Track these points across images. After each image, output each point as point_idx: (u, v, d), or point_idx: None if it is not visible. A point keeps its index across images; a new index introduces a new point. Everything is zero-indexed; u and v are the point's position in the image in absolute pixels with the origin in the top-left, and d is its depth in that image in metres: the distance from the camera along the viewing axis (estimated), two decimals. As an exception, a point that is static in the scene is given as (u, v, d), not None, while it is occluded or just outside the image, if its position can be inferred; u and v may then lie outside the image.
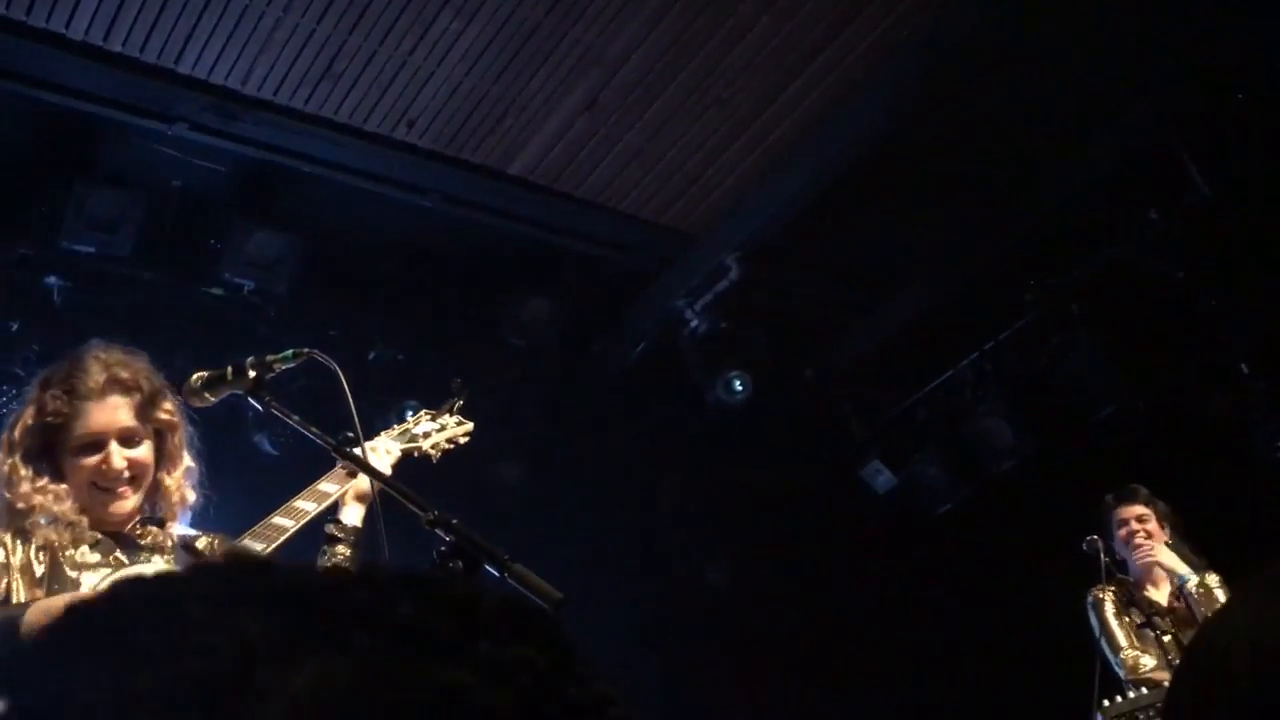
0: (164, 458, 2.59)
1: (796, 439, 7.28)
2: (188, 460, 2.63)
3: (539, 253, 6.30)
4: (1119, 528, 5.05)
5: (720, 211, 6.17)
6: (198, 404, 2.51)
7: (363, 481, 2.65)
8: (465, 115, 5.40)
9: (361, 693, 0.48)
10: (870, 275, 6.80)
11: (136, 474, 2.51)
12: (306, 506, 2.54)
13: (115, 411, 2.49)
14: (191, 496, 2.63)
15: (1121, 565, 5.07)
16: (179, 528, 2.63)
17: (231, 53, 4.88)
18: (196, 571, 0.55)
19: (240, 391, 2.44)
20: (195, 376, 2.48)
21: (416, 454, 2.91)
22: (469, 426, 3.06)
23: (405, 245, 6.07)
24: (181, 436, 2.62)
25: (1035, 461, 6.78)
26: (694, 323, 6.51)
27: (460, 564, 1.92)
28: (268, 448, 5.68)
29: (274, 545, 2.41)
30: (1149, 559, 4.90)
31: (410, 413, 6.04)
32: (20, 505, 2.42)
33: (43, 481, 2.45)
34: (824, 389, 7.32)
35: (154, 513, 2.61)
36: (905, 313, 6.90)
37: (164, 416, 2.57)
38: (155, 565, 2.46)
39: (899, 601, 7.17)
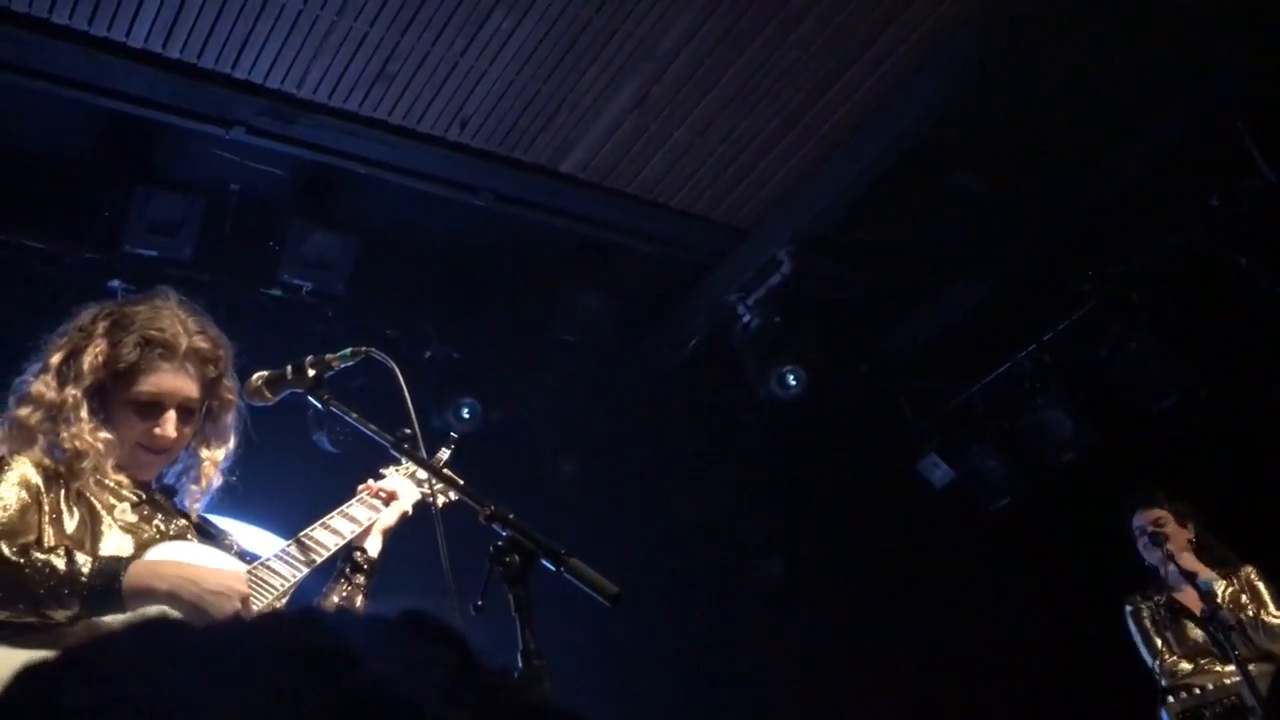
0: (211, 434, 2.55)
1: (851, 433, 7.23)
2: (231, 444, 2.58)
3: (591, 250, 6.32)
4: (1138, 534, 4.97)
5: (772, 205, 6.15)
6: (258, 402, 2.51)
7: (389, 516, 2.66)
8: (517, 114, 5.43)
9: (280, 712, 0.50)
10: (925, 266, 6.74)
11: (176, 446, 2.47)
12: (343, 527, 2.55)
13: (186, 380, 2.43)
14: (218, 481, 2.58)
15: (1156, 572, 4.99)
16: (200, 509, 2.59)
17: (287, 57, 4.95)
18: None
19: (300, 389, 2.45)
20: (256, 375, 2.49)
21: (446, 485, 2.86)
22: (460, 483, 2.96)
23: (459, 244, 6.12)
24: (233, 418, 2.58)
25: (1096, 453, 6.69)
26: (747, 317, 6.49)
27: (517, 558, 1.93)
28: (327, 446, 5.75)
29: (318, 562, 2.43)
30: (1167, 564, 4.82)
31: (467, 410, 6.11)
32: (70, 444, 2.33)
33: (94, 424, 2.37)
34: (879, 382, 7.28)
35: (181, 482, 2.57)
36: (961, 303, 6.83)
37: (226, 395, 2.54)
38: (202, 548, 2.40)
39: (958, 597, 7.11)
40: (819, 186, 6.01)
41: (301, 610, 0.59)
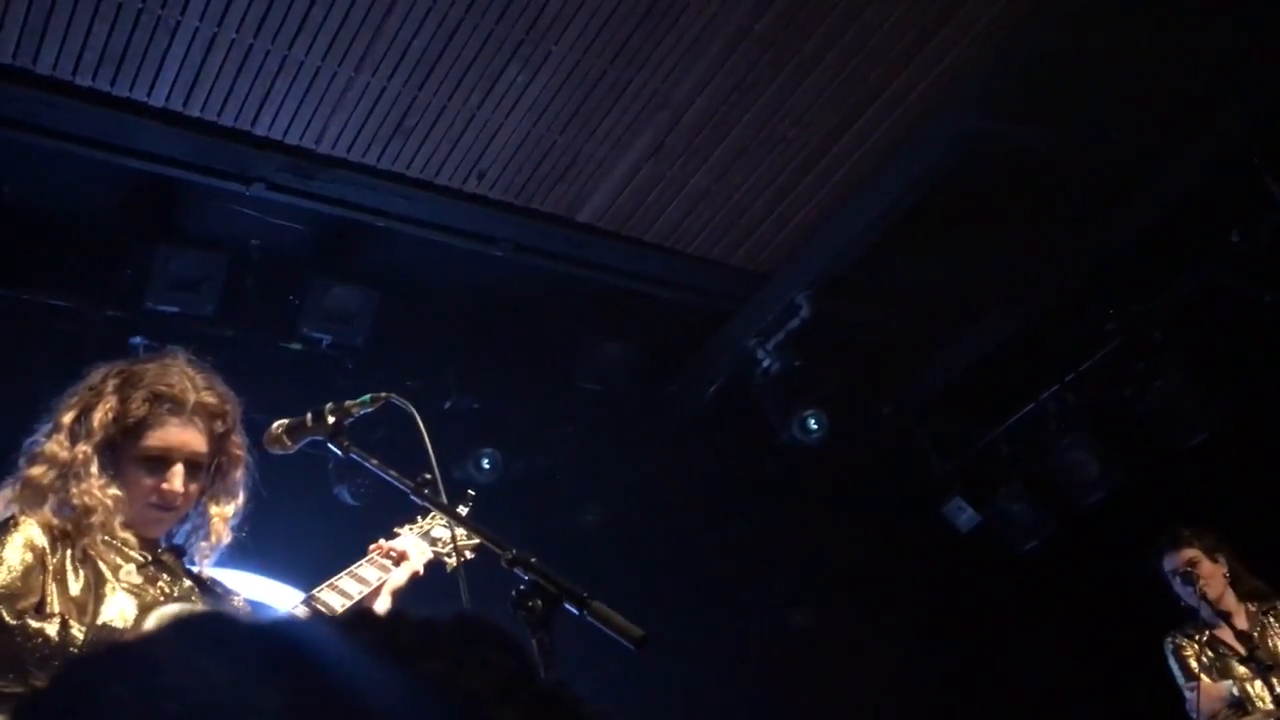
0: (220, 489, 2.55)
1: (875, 478, 7.18)
2: (240, 500, 2.57)
3: (610, 298, 6.33)
4: (1172, 577, 4.93)
5: (790, 250, 6.16)
6: (278, 450, 2.50)
7: (399, 576, 2.63)
8: (534, 165, 5.47)
9: (343, 700, 0.49)
10: (946, 308, 6.72)
11: (184, 503, 2.46)
12: (350, 588, 2.51)
13: (194, 435, 2.44)
14: (228, 538, 2.57)
15: (1196, 611, 4.92)
16: (199, 565, 2.57)
17: (305, 114, 5.01)
18: (163, 630, 0.57)
19: (320, 437, 2.45)
20: (276, 424, 2.50)
21: (469, 531, 2.84)
22: (476, 542, 2.83)
23: (478, 295, 6.14)
24: (242, 474, 2.58)
25: (1124, 494, 6.61)
26: (767, 362, 6.47)
27: (539, 602, 1.91)
28: (348, 499, 5.74)
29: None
30: (1202, 602, 4.77)
31: (487, 461, 6.10)
32: (78, 501, 2.34)
33: (104, 480, 2.38)
34: (902, 426, 7.23)
35: (190, 541, 2.55)
36: (983, 345, 6.80)
37: (235, 451, 2.54)
38: (194, 605, 2.37)
39: (987, 643, 7.01)
40: (836, 230, 6.01)
41: (355, 612, 0.59)
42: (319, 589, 2.49)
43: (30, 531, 2.28)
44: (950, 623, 7.09)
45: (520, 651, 0.57)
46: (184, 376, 2.48)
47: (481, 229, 5.70)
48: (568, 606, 1.92)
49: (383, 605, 2.59)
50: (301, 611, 2.41)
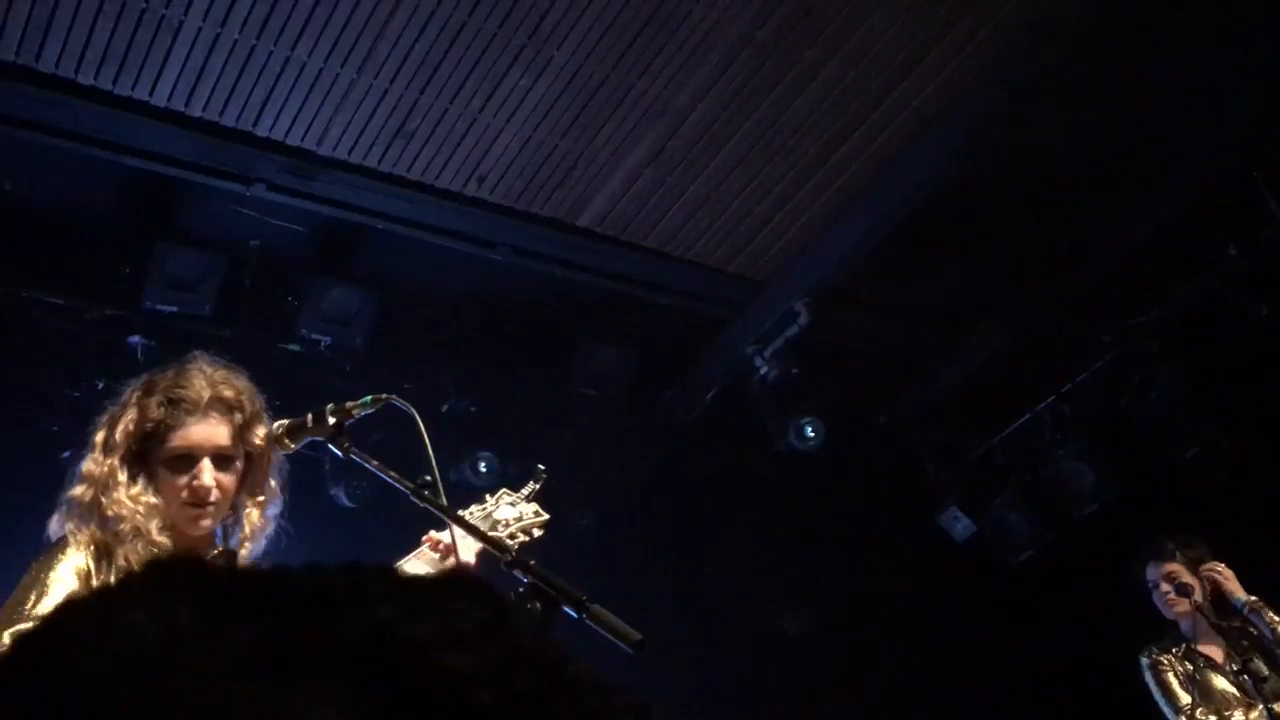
0: (252, 481, 2.59)
1: (871, 486, 7.19)
2: (274, 488, 2.62)
3: (608, 303, 6.34)
4: (1153, 589, 4.89)
5: (788, 257, 6.17)
6: (279, 451, 2.54)
7: (446, 568, 2.61)
8: (534, 170, 5.48)
9: (288, 649, 0.50)
10: (943, 318, 6.74)
11: (220, 497, 2.50)
12: None
13: (215, 429, 2.49)
14: (270, 527, 2.61)
15: (1175, 625, 4.90)
16: (252, 560, 2.61)
17: (307, 115, 5.01)
18: (133, 575, 0.57)
19: (320, 438, 2.47)
20: (277, 424, 2.52)
21: (490, 544, 2.83)
22: (545, 519, 2.93)
23: (477, 298, 6.15)
24: (271, 463, 2.62)
25: (1119, 505, 6.62)
26: (764, 369, 6.48)
27: (538, 605, 1.91)
28: (344, 501, 5.74)
29: None
30: (1185, 613, 4.75)
31: (484, 464, 6.09)
32: (111, 512, 2.42)
33: (137, 489, 2.45)
34: (898, 435, 7.24)
35: (229, 538, 2.60)
36: (980, 355, 6.81)
37: (259, 441, 2.57)
38: None
39: (980, 652, 7.01)
40: (835, 238, 6.03)
41: (343, 562, 0.59)
42: None
43: (75, 554, 2.38)
44: (944, 632, 7.09)
45: (498, 605, 0.56)
46: (199, 375, 2.53)
47: (481, 232, 5.71)
48: (567, 609, 1.93)
49: None
50: None
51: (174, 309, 5.37)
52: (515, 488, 2.97)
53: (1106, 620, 6.26)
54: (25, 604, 2.28)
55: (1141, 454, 6.54)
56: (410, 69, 4.93)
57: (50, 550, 2.42)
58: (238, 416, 2.52)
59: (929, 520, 7.16)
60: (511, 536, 2.81)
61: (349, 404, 2.49)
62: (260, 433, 2.57)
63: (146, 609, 0.51)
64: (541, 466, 3.00)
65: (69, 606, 0.54)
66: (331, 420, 2.45)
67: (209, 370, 2.56)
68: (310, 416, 2.47)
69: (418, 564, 2.61)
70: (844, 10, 5.05)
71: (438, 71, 4.96)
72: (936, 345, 6.89)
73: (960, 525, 7.11)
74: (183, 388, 2.50)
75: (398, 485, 2.33)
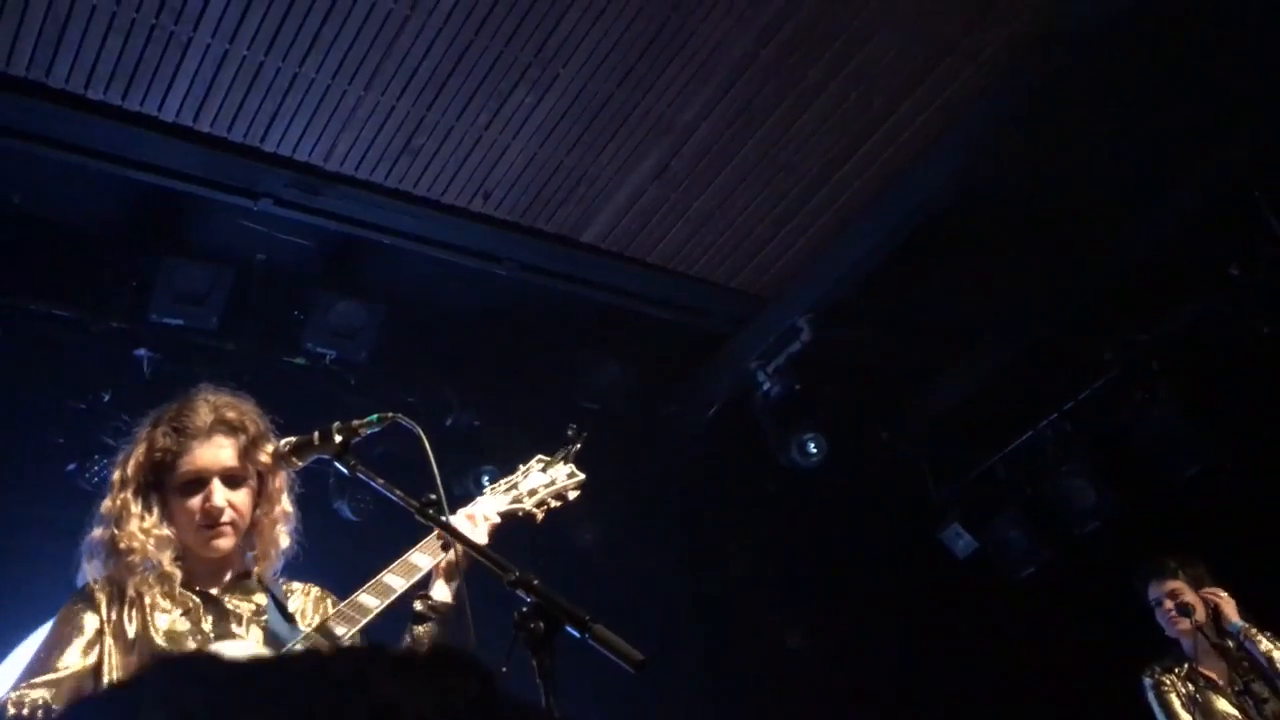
0: (264, 500, 2.64)
1: (873, 502, 7.20)
2: (286, 505, 2.67)
3: (612, 318, 6.36)
4: (1155, 606, 4.89)
5: (791, 274, 6.19)
6: (285, 468, 2.58)
7: (453, 556, 2.64)
8: (540, 186, 5.51)
9: None
10: (945, 334, 6.76)
11: (236, 517, 2.55)
12: (395, 583, 2.52)
13: (220, 451, 2.55)
14: (286, 542, 2.66)
15: (1177, 644, 4.90)
16: (272, 576, 2.66)
17: (314, 130, 5.05)
18: (146, 672, 0.60)
19: (327, 455, 2.48)
20: (283, 442, 2.54)
21: (521, 514, 2.88)
22: (580, 479, 2.99)
23: (482, 313, 6.17)
24: (283, 480, 2.67)
25: (1120, 523, 6.63)
26: (767, 385, 6.50)
27: (541, 624, 1.93)
28: (348, 514, 5.75)
29: (358, 627, 2.40)
30: (1187, 631, 4.74)
31: (487, 478, 6.11)
32: (123, 544, 2.47)
33: (150, 520, 2.50)
34: (900, 451, 7.25)
35: (246, 559, 2.64)
36: (982, 372, 6.83)
37: (266, 459, 2.61)
38: (228, 644, 2.44)
39: (982, 669, 7.01)
40: (838, 255, 6.05)
41: (340, 648, 0.62)
42: (361, 590, 2.50)
43: (89, 604, 2.44)
44: (945, 648, 7.09)
45: (485, 677, 0.59)
46: (203, 402, 2.61)
47: (486, 248, 5.74)
48: (569, 629, 1.94)
49: (441, 590, 2.64)
50: (333, 623, 2.43)
51: (180, 322, 5.39)
52: (551, 453, 2.98)
53: (1108, 638, 6.26)
54: (48, 658, 2.36)
55: (1143, 472, 6.55)
56: (417, 86, 4.96)
57: (72, 601, 2.47)
58: (243, 437, 2.58)
59: (931, 536, 7.17)
60: (540, 503, 2.91)
61: (355, 422, 2.51)
62: (269, 450, 2.61)
63: (165, 710, 0.54)
64: (575, 426, 3.02)
65: (84, 709, 0.57)
66: (338, 438, 2.47)
67: (212, 398, 2.63)
68: (317, 434, 2.49)
69: (423, 554, 2.61)
70: (847, 29, 5.09)
71: (444, 88, 5.00)
72: (938, 362, 6.92)
73: (962, 542, 7.11)
74: (187, 415, 2.57)
75: (403, 504, 2.36)
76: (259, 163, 5.11)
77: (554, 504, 2.94)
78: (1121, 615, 5.81)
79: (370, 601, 2.46)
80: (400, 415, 2.53)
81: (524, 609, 1.97)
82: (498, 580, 2.10)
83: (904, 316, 6.61)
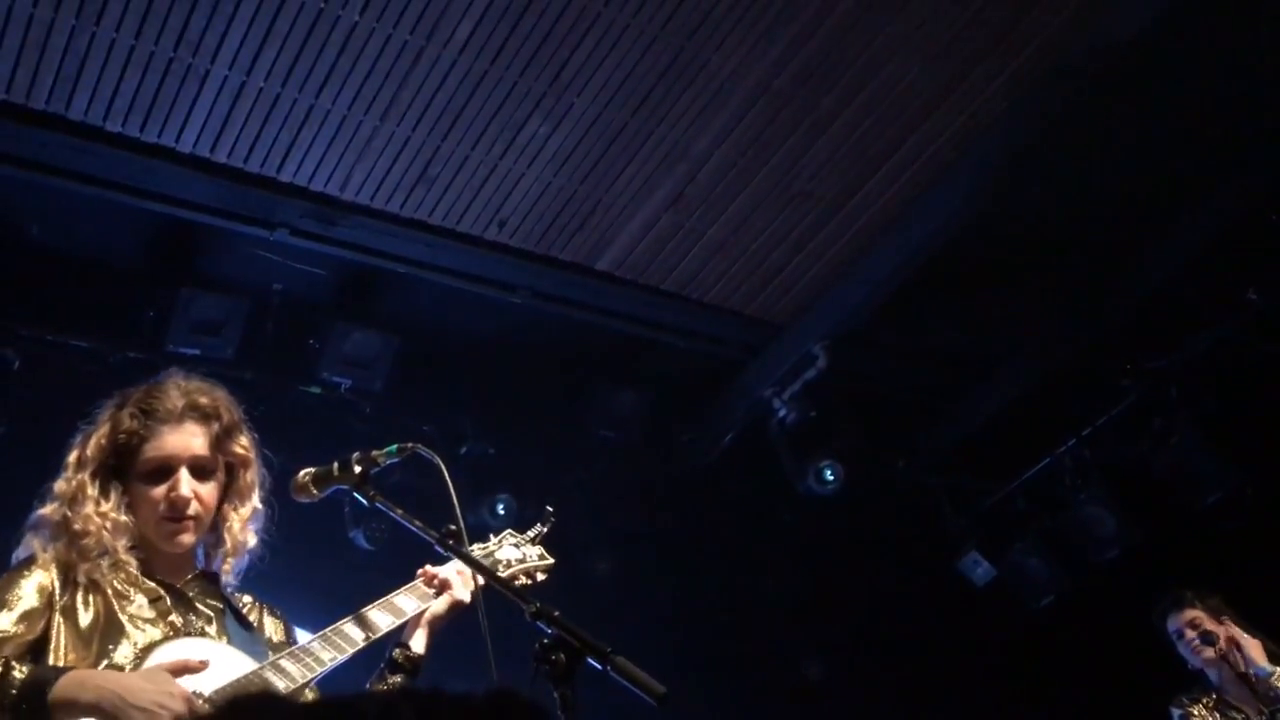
0: (233, 493, 2.50)
1: (891, 530, 7.15)
2: (256, 501, 2.53)
3: (627, 346, 6.36)
4: (1177, 639, 4.83)
5: (806, 301, 6.19)
6: (304, 499, 2.48)
7: (439, 605, 2.55)
8: (554, 215, 5.53)
9: None
10: (961, 361, 6.73)
11: (201, 511, 2.41)
12: (380, 620, 2.43)
13: (190, 438, 2.40)
14: (253, 541, 2.52)
15: (1202, 674, 4.83)
16: (233, 579, 2.53)
17: (330, 161, 5.08)
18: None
19: (346, 486, 2.43)
20: (303, 473, 2.47)
21: (492, 582, 2.72)
22: (550, 563, 2.87)
23: (497, 341, 6.18)
24: (254, 475, 2.53)
25: (1140, 551, 6.57)
26: (783, 412, 6.48)
27: (562, 656, 1.91)
28: (363, 543, 5.74)
29: (345, 655, 2.32)
30: (1212, 661, 4.68)
31: (502, 507, 6.10)
32: (78, 526, 2.32)
33: (107, 505, 2.35)
34: (918, 478, 7.21)
35: (210, 559, 2.51)
36: (999, 399, 6.80)
37: (239, 450, 2.49)
38: (207, 644, 2.33)
39: (1001, 697, 6.94)
40: (853, 282, 6.04)
41: (402, 688, 0.62)
42: (346, 620, 2.41)
43: (39, 574, 2.30)
44: (964, 678, 7.03)
45: (544, 718, 0.60)
46: (173, 386, 2.46)
47: (501, 276, 5.75)
48: (591, 661, 1.93)
49: (419, 641, 2.53)
50: (317, 645, 2.34)
51: (197, 352, 5.40)
52: (522, 530, 2.95)
53: (1127, 666, 6.19)
54: None
55: (1162, 499, 6.50)
56: (432, 116, 4.99)
57: (15, 568, 2.33)
58: (215, 425, 2.44)
59: (949, 565, 7.12)
60: (513, 578, 2.75)
61: (375, 452, 2.48)
62: (242, 441, 2.49)
63: None
64: (550, 509, 2.95)
65: None
66: (357, 469, 2.43)
67: (183, 382, 2.48)
68: (336, 465, 2.45)
69: (409, 598, 2.54)
70: (861, 57, 5.10)
71: (459, 119, 5.02)
72: (955, 389, 6.89)
73: (980, 570, 7.06)
74: (156, 398, 2.42)
75: (423, 535, 2.33)
76: (275, 193, 5.14)
77: (524, 581, 2.79)
78: (1141, 643, 5.75)
79: (356, 633, 2.38)
80: (420, 446, 2.50)
81: (545, 641, 1.95)
82: (518, 613, 2.08)
83: (920, 343, 6.59)
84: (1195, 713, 4.71)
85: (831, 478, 6.47)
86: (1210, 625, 4.73)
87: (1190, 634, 4.76)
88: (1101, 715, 6.60)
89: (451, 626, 2.59)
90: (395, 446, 2.50)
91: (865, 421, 6.70)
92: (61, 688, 2.07)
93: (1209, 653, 4.68)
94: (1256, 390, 6.29)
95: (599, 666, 1.93)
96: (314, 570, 4.92)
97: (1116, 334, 6.38)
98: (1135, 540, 6.59)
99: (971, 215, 5.64)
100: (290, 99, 4.82)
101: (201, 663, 2.20)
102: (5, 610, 2.23)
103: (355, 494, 2.43)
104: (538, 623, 1.99)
